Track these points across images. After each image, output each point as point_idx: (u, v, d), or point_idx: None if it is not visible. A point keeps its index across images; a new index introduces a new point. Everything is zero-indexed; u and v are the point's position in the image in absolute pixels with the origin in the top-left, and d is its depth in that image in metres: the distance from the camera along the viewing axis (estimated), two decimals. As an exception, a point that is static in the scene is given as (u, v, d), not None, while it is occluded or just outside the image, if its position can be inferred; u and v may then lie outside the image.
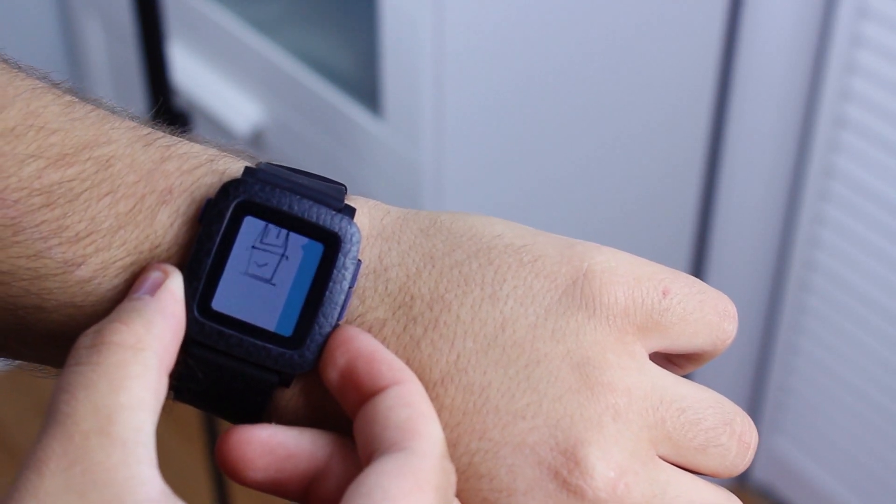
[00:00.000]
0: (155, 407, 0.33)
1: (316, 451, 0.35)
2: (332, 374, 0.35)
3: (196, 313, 0.35)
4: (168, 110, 1.26)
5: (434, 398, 0.35)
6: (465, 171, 1.32)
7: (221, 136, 1.50)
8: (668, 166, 1.50)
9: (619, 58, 1.37)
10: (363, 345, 0.35)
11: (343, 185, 0.37)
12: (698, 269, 1.64)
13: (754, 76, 1.46)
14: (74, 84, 0.37)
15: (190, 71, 1.52)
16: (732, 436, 0.38)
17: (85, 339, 0.33)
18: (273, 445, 0.35)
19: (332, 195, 0.36)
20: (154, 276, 0.35)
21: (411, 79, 1.25)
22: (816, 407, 1.62)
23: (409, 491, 0.32)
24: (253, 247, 0.36)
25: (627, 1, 1.33)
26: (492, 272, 0.36)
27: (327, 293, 0.36)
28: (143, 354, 0.33)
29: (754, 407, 1.71)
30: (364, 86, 1.36)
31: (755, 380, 1.70)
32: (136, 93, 1.44)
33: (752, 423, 0.39)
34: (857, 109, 1.40)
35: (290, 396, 0.36)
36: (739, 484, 1.75)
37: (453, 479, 0.34)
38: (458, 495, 0.35)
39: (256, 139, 1.50)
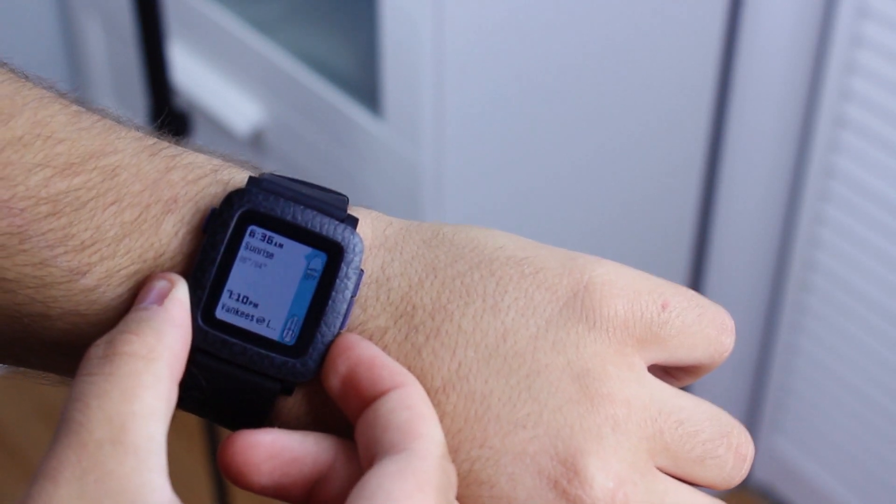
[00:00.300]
0: (166, 415, 0.33)
1: (320, 454, 0.35)
2: (334, 381, 0.36)
3: (200, 322, 0.36)
4: (168, 110, 1.26)
5: (436, 405, 0.35)
6: (465, 172, 1.32)
7: (222, 136, 1.51)
8: (668, 167, 1.50)
9: (619, 58, 1.37)
10: (364, 351, 0.35)
11: (345, 196, 0.38)
12: (698, 269, 1.64)
13: (754, 76, 1.46)
14: (76, 85, 0.38)
15: (190, 71, 1.52)
16: (729, 448, 0.38)
17: (97, 350, 0.33)
18: (277, 450, 0.35)
19: (336, 205, 0.37)
20: (160, 285, 0.35)
21: (411, 79, 1.25)
22: (816, 407, 1.62)
23: (411, 492, 0.32)
24: (256, 256, 0.36)
25: (627, 1, 1.33)
26: (493, 283, 0.37)
27: (330, 302, 0.36)
28: (154, 364, 0.33)
29: (754, 407, 1.71)
30: (364, 86, 1.36)
31: (755, 380, 1.70)
32: (136, 93, 1.44)
33: (748, 435, 0.39)
34: (857, 109, 1.40)
35: (292, 404, 0.37)
36: (739, 484, 1.75)
37: (454, 480, 0.34)
38: (458, 500, 0.35)
39: (256, 139, 1.50)
